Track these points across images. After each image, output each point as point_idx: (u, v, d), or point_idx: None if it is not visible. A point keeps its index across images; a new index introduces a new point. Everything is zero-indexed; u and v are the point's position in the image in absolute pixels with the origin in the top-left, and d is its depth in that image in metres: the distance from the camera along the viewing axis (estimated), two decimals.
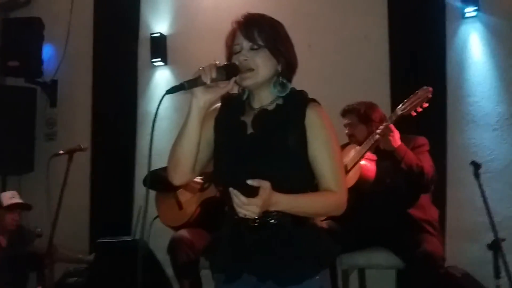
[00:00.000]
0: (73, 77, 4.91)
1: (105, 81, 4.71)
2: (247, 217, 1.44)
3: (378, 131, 2.86)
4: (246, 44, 1.60)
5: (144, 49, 4.66)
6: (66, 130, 4.86)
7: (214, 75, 1.47)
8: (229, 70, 1.54)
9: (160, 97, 1.47)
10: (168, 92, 1.45)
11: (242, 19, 1.63)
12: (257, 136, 1.60)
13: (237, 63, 1.58)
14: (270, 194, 1.44)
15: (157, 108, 1.46)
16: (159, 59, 4.59)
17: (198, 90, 1.52)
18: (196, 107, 1.54)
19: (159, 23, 4.65)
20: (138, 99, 4.67)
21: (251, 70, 1.57)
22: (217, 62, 1.52)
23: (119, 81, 4.67)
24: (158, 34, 4.58)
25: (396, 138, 2.83)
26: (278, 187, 1.52)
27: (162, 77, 4.63)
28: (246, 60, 1.58)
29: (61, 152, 3.51)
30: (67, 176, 3.41)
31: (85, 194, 4.60)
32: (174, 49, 4.59)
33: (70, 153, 3.50)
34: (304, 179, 1.55)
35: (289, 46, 1.65)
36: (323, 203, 1.55)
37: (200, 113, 1.56)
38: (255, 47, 1.59)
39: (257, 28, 1.60)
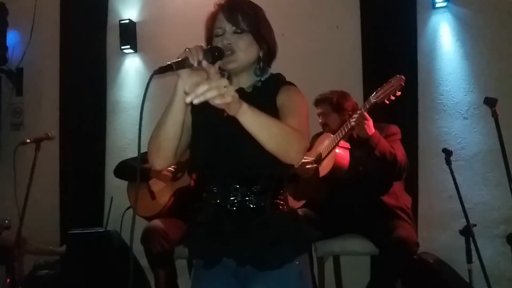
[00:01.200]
0: (40, 64, 4.77)
1: (73, 69, 4.59)
2: (220, 102, 1.32)
3: (352, 119, 2.88)
4: (229, 27, 1.59)
5: (113, 36, 4.56)
6: (33, 119, 4.73)
7: (201, 57, 1.44)
8: (215, 53, 1.51)
9: (147, 80, 1.40)
10: (156, 72, 1.39)
11: (224, 2, 1.61)
12: (233, 118, 1.58)
13: (220, 46, 1.56)
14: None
15: (146, 89, 1.40)
16: (128, 46, 4.50)
17: (184, 72, 1.48)
18: (182, 88, 1.49)
19: (129, 10, 4.56)
20: (107, 87, 4.58)
21: (233, 53, 1.55)
22: (202, 45, 1.49)
23: (87, 69, 4.57)
24: (127, 21, 4.49)
25: (370, 126, 2.86)
26: (257, 169, 1.54)
27: (132, 65, 4.55)
28: (229, 43, 1.57)
29: (28, 140, 3.42)
30: (35, 166, 3.33)
31: (54, 184, 4.49)
32: (144, 36, 4.51)
33: (37, 142, 3.41)
34: (281, 163, 1.52)
35: (270, 32, 1.66)
36: (286, 129, 1.44)
37: (185, 96, 1.52)
38: (239, 31, 1.58)
39: (241, 12, 1.59)
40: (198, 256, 1.65)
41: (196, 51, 1.43)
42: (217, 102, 1.32)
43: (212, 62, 1.50)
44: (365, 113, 2.86)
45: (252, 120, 1.40)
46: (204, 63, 1.43)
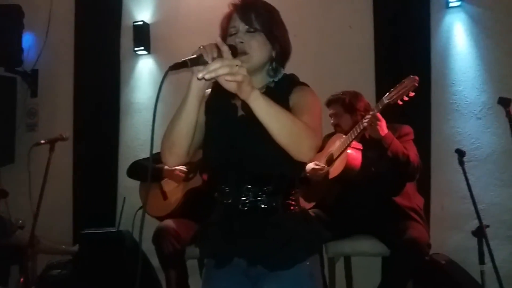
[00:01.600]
0: (54, 66, 4.82)
1: (87, 70, 4.63)
2: (231, 79, 1.34)
3: (365, 120, 2.87)
4: (242, 26, 1.59)
5: (126, 38, 4.60)
6: (48, 120, 4.78)
7: (215, 55, 1.43)
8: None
9: (162, 78, 1.41)
10: (171, 68, 1.40)
11: (239, 2, 1.62)
12: (247, 118, 1.57)
13: (233, 44, 1.56)
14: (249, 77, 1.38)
15: (161, 85, 1.41)
16: (142, 48, 4.53)
17: (199, 69, 1.49)
18: (196, 86, 1.50)
19: (142, 11, 4.59)
20: (121, 88, 4.61)
21: (245, 53, 1.55)
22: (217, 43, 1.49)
23: (101, 70, 4.60)
24: (141, 23, 4.52)
25: (383, 126, 2.84)
26: (269, 169, 1.54)
27: (145, 66, 4.58)
28: (242, 42, 1.57)
29: (43, 141, 3.46)
30: (49, 166, 3.36)
31: (67, 184, 4.53)
32: (157, 38, 4.53)
33: (52, 142, 3.45)
34: (294, 162, 1.53)
35: (284, 32, 1.66)
36: (298, 123, 1.44)
37: (199, 93, 1.52)
38: (252, 30, 1.59)
39: (254, 12, 1.60)
40: (209, 256, 1.65)
41: (211, 49, 1.43)
42: (228, 79, 1.34)
43: None
44: (378, 114, 2.84)
45: (264, 108, 1.40)
46: (219, 39, 1.42)
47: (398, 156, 2.84)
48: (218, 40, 1.42)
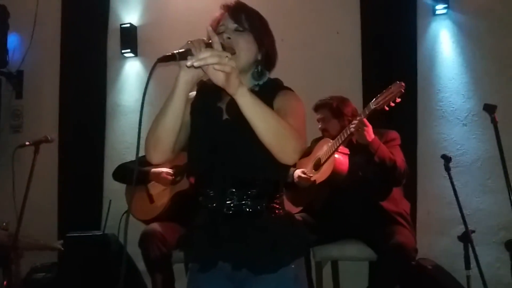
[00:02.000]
0: (40, 67, 4.78)
1: (73, 72, 4.60)
2: (219, 68, 1.34)
3: (352, 125, 2.88)
4: (231, 25, 1.60)
5: (114, 40, 4.58)
6: (33, 122, 4.73)
7: (203, 50, 1.43)
8: None
9: (149, 74, 1.40)
10: (159, 60, 1.39)
11: (231, 3, 1.64)
12: (232, 121, 1.58)
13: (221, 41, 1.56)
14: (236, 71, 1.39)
15: (148, 78, 1.41)
16: (129, 50, 4.51)
17: (186, 64, 1.47)
18: (183, 80, 1.49)
19: (130, 14, 4.58)
20: (107, 90, 4.59)
21: (232, 50, 1.54)
22: (205, 39, 1.48)
23: (87, 72, 4.57)
24: (128, 25, 4.50)
25: (370, 132, 2.86)
26: (253, 173, 1.54)
27: (132, 69, 4.56)
28: (229, 38, 1.57)
29: (27, 143, 3.40)
30: (33, 168, 3.32)
31: (52, 187, 4.48)
32: (145, 40, 4.52)
33: (37, 144, 3.40)
34: (278, 166, 1.53)
35: (271, 39, 1.68)
36: (284, 124, 1.43)
37: (186, 88, 1.51)
38: (240, 29, 1.60)
39: (245, 13, 1.62)
40: (194, 260, 1.64)
41: (199, 43, 1.42)
42: (217, 68, 1.34)
43: None
44: (365, 119, 2.86)
45: (251, 105, 1.40)
46: (210, 28, 1.42)
47: (385, 161, 2.86)
48: (209, 29, 1.42)
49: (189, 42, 1.43)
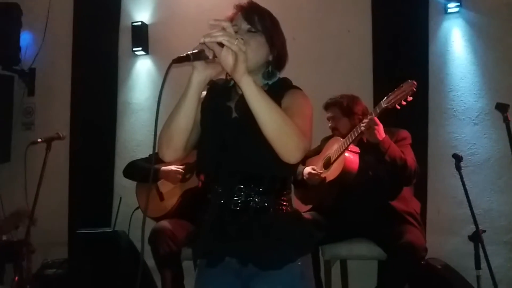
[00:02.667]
0: (52, 65, 4.81)
1: (84, 69, 4.62)
2: (228, 44, 1.38)
3: (363, 124, 2.87)
4: (244, 25, 1.62)
5: (125, 38, 4.59)
6: (45, 119, 4.76)
7: (217, 50, 1.45)
8: None
9: (162, 78, 1.43)
10: (174, 61, 1.43)
11: (244, 3, 1.65)
12: (240, 119, 1.60)
13: None
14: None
15: (164, 79, 1.44)
16: (140, 48, 4.52)
17: (199, 64, 1.50)
18: (196, 80, 1.52)
19: (141, 12, 4.59)
20: (118, 88, 4.60)
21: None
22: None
23: (99, 70, 4.59)
24: (140, 23, 4.52)
25: (380, 130, 2.85)
26: (260, 170, 1.55)
27: (143, 67, 4.58)
28: (242, 39, 1.57)
29: (39, 140, 3.44)
30: (45, 165, 3.35)
31: (63, 184, 4.51)
32: (156, 39, 4.53)
33: (48, 141, 3.43)
34: (285, 164, 1.53)
35: (283, 40, 1.69)
36: (288, 121, 1.44)
37: (199, 88, 1.54)
38: (253, 29, 1.61)
39: (258, 14, 1.63)
40: (201, 256, 1.66)
41: (212, 45, 1.44)
42: (225, 43, 1.38)
43: None
44: (375, 118, 2.85)
45: (255, 95, 1.42)
46: (224, 23, 1.43)
47: (396, 160, 2.84)
48: (225, 24, 1.42)
49: (201, 42, 1.44)
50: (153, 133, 1.47)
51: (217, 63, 1.50)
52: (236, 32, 1.59)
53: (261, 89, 1.45)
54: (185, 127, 1.56)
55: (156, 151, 1.54)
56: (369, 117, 2.87)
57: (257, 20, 1.61)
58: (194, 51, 1.45)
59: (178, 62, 1.43)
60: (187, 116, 1.55)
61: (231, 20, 1.64)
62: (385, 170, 2.91)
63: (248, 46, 1.56)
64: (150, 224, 3.26)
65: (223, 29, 1.42)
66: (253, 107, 1.43)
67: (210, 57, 1.46)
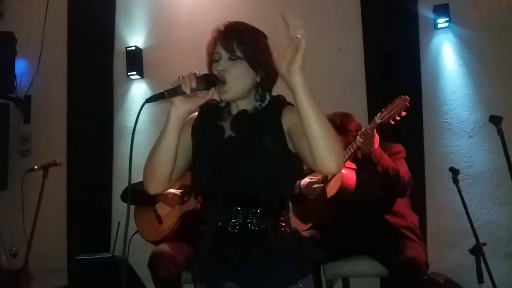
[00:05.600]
0: (47, 92, 4.82)
1: (80, 95, 4.63)
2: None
3: (359, 138, 2.88)
4: (224, 54, 1.60)
5: (119, 63, 4.62)
6: (41, 146, 4.76)
7: (194, 84, 1.48)
8: (208, 80, 1.54)
9: (139, 107, 1.45)
10: (148, 100, 1.44)
11: (222, 28, 1.63)
12: (235, 138, 1.60)
13: (215, 72, 1.58)
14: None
15: (137, 117, 1.46)
16: (135, 73, 4.55)
17: (177, 100, 1.52)
18: (174, 116, 1.54)
19: (135, 37, 4.63)
20: (114, 113, 4.61)
21: (225, 83, 1.57)
22: (197, 72, 1.52)
23: (94, 95, 4.61)
24: (134, 48, 4.55)
25: (375, 141, 2.86)
26: (258, 190, 1.54)
27: (138, 91, 4.59)
28: (223, 70, 1.58)
29: (36, 167, 3.44)
30: (42, 192, 3.34)
31: (61, 210, 4.48)
32: (150, 62, 4.56)
33: (45, 168, 3.44)
34: (283, 181, 1.53)
35: (268, 57, 1.64)
36: (334, 131, 1.45)
37: (178, 123, 1.55)
38: (234, 58, 1.59)
39: (237, 39, 1.60)
40: (201, 281, 1.64)
41: (189, 79, 1.47)
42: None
43: (206, 89, 1.53)
44: (374, 130, 2.86)
45: (308, 96, 1.42)
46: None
47: (388, 170, 2.84)
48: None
49: (180, 78, 1.47)
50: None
51: (195, 96, 1.51)
52: (218, 60, 1.60)
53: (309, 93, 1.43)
54: (167, 161, 1.58)
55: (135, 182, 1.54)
56: (367, 127, 2.87)
57: (236, 47, 1.58)
58: (169, 88, 1.47)
59: (152, 100, 1.45)
60: (168, 151, 1.57)
61: (213, 45, 1.63)
62: (379, 184, 2.91)
63: (229, 75, 1.57)
64: (149, 248, 3.24)
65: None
66: (305, 109, 1.41)
67: (188, 91, 1.47)
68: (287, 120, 1.58)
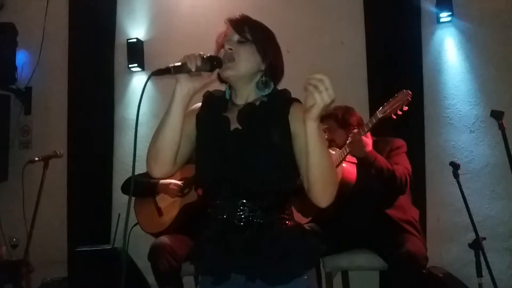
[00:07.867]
0: (48, 83, 4.82)
1: (81, 87, 4.63)
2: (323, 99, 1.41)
3: (348, 142, 2.87)
4: (235, 37, 1.63)
5: (120, 55, 4.61)
6: (42, 137, 4.76)
7: (199, 63, 1.48)
8: (213, 62, 1.56)
9: (139, 100, 1.45)
10: (154, 73, 1.45)
11: (235, 17, 1.67)
12: (242, 131, 1.59)
13: (222, 52, 1.60)
14: None
15: (142, 94, 1.45)
16: (136, 65, 4.54)
17: (182, 77, 1.52)
18: (180, 93, 1.54)
19: (136, 29, 4.62)
20: (115, 105, 4.60)
21: (231, 60, 1.58)
22: (202, 53, 1.52)
23: (95, 87, 4.60)
24: (135, 40, 4.54)
25: (369, 143, 2.85)
26: (264, 184, 1.54)
27: (139, 83, 4.57)
28: (231, 49, 1.60)
29: (36, 158, 3.43)
30: (43, 184, 3.34)
31: (62, 202, 4.49)
32: (151, 55, 4.54)
33: (46, 159, 3.43)
34: (288, 176, 1.53)
35: (276, 50, 1.69)
36: (334, 168, 1.53)
37: (183, 100, 1.55)
38: (243, 40, 1.62)
39: (248, 25, 1.65)
40: (206, 273, 1.64)
41: (195, 57, 1.47)
42: (323, 93, 1.44)
43: (210, 70, 1.54)
44: (360, 133, 2.85)
45: (319, 136, 1.47)
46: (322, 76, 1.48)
47: (383, 172, 2.83)
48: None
49: (185, 56, 1.48)
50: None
51: (201, 75, 1.51)
52: (227, 41, 1.61)
53: (323, 134, 1.47)
54: (172, 140, 1.56)
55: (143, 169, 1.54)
56: (354, 131, 2.87)
57: (247, 30, 1.62)
58: (175, 64, 1.46)
59: (158, 74, 1.44)
60: (173, 130, 1.55)
61: (225, 35, 1.66)
62: (380, 180, 2.91)
63: (237, 56, 1.58)
64: (149, 240, 3.24)
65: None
66: (312, 148, 1.45)
67: (193, 69, 1.47)
68: (294, 122, 1.58)
